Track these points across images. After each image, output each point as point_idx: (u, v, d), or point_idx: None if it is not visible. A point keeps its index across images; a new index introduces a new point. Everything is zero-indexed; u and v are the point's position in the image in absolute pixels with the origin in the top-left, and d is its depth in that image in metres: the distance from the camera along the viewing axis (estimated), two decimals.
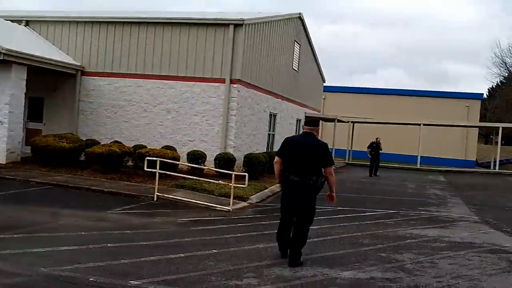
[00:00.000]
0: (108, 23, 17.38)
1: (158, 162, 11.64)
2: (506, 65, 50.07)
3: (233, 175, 11.12)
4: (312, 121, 6.93)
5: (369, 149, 22.50)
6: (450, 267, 6.66)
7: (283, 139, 6.93)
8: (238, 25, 15.96)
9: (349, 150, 31.23)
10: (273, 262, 6.60)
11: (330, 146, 28.68)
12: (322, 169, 6.57)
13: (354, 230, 9.12)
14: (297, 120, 24.36)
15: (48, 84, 17.77)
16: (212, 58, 16.26)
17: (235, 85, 16.07)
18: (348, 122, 30.38)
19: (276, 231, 6.87)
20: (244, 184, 11.08)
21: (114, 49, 17.30)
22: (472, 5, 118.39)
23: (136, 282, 5.38)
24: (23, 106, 15.46)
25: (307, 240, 6.69)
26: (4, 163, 14.65)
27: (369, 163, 23.00)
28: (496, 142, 30.21)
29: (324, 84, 32.44)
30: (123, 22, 17.24)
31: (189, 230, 8.79)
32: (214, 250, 7.14)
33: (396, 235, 8.81)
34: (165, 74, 16.76)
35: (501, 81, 57.51)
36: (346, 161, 30.39)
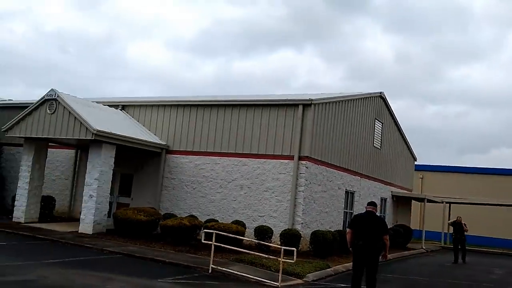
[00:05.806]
0: (190, 106, 18.95)
1: (214, 234, 12.05)
2: None
3: (282, 250, 11.15)
4: (371, 203, 9.68)
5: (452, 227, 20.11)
6: None
7: (353, 215, 8.87)
8: (306, 105, 16.54)
9: (445, 233, 29.10)
10: None
11: (419, 227, 26.69)
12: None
13: None
14: (381, 199, 23.66)
15: (138, 162, 19.45)
16: (282, 136, 16.86)
17: (303, 162, 16.36)
18: (442, 202, 28.61)
19: None
20: (293, 260, 11.01)
21: (195, 129, 18.66)
22: None
23: None
24: (110, 181, 16.99)
25: None
26: (91, 233, 16.03)
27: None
28: None
29: (424, 163, 31.32)
30: (204, 105, 18.68)
31: None
32: None
33: None
34: (239, 152, 17.61)
35: None
36: (442, 245, 28.35)
